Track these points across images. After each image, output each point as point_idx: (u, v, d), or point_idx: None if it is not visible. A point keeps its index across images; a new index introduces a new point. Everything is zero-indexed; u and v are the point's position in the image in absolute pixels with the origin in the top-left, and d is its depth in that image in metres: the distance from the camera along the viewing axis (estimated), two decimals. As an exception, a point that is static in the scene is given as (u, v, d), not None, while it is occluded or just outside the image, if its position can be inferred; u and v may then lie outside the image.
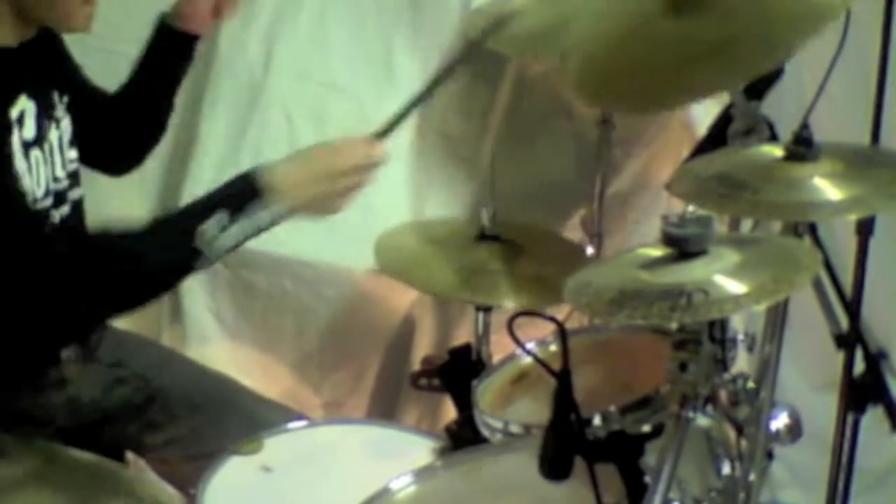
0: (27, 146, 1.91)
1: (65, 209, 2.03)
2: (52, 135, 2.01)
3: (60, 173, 2.02)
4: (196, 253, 1.83)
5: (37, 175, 1.94)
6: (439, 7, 2.69)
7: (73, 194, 2.07)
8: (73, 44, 2.16)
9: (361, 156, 1.96)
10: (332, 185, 1.94)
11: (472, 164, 2.76)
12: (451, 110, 2.76)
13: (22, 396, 2.04)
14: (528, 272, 2.32)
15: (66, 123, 2.06)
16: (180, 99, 2.76)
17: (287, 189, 1.89)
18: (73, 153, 2.07)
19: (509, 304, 2.26)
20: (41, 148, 1.95)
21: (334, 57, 2.73)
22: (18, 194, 1.85)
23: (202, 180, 2.70)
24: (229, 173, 2.66)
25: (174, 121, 2.77)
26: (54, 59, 2.08)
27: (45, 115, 1.98)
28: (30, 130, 1.93)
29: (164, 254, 1.86)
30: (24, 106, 1.92)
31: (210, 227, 1.83)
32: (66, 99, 2.07)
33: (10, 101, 1.89)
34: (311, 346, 2.80)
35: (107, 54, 2.64)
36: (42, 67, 2.01)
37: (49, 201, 1.98)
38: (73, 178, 2.07)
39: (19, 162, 1.88)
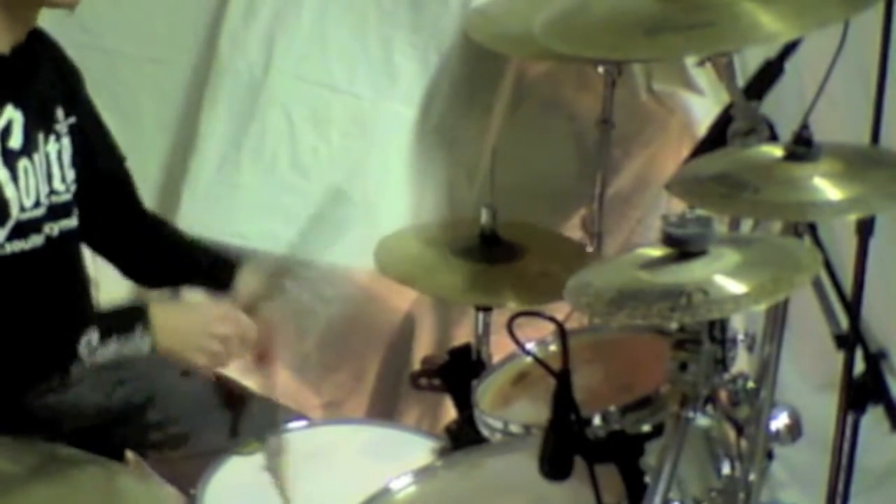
0: (13, 155, 1.94)
1: (68, 223, 2.06)
2: (50, 147, 2.02)
3: (59, 186, 2.04)
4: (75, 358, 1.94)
5: (25, 184, 1.96)
6: (439, 7, 2.69)
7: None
8: (73, 43, 2.16)
9: (235, 328, 2.05)
10: (205, 341, 2.02)
11: (472, 165, 2.76)
12: (451, 110, 2.76)
13: (25, 398, 2.04)
14: (531, 271, 2.32)
15: (68, 142, 2.07)
16: (180, 98, 2.78)
17: (166, 327, 1.98)
18: (73, 174, 2.08)
19: (512, 305, 2.26)
20: (30, 158, 1.97)
21: (334, 57, 2.73)
22: None
23: (202, 180, 2.71)
24: (229, 173, 2.71)
25: (174, 120, 2.79)
26: (59, 81, 2.10)
27: (39, 125, 1.99)
28: (16, 140, 1.95)
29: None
30: (11, 116, 1.94)
31: (92, 337, 1.94)
32: (72, 119, 2.08)
33: None
34: (311, 347, 2.80)
35: (107, 54, 2.65)
36: (37, 78, 2.02)
37: (40, 212, 1.99)
38: (77, 196, 2.08)
39: (0, 171, 1.92)
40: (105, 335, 1.94)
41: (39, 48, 2.05)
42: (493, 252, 2.36)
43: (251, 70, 2.71)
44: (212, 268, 2.21)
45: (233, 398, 2.20)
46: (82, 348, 1.92)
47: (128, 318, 1.97)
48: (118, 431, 2.18)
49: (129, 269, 2.28)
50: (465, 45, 2.69)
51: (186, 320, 2.05)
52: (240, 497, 2.01)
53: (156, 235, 2.29)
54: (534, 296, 2.27)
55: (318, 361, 2.81)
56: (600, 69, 2.58)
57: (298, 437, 2.14)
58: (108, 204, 2.17)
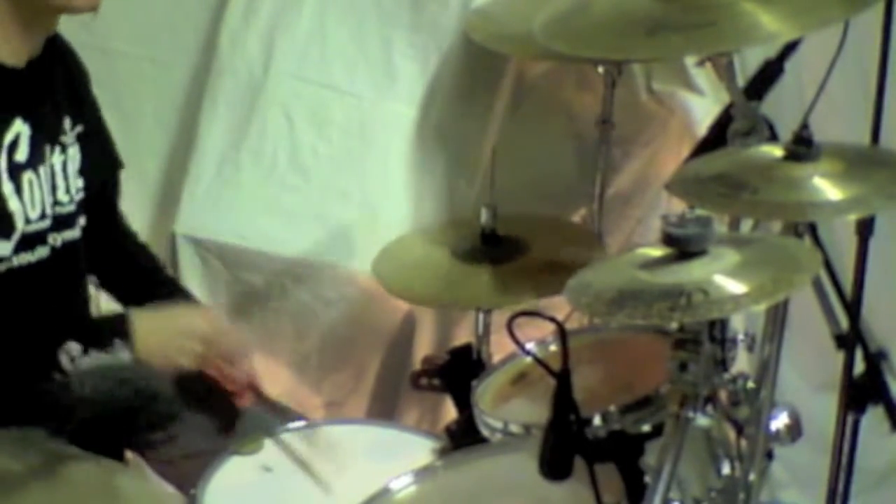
0: (18, 169, 1.95)
1: (71, 233, 2.07)
2: (56, 158, 2.03)
3: (64, 198, 2.04)
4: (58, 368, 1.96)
5: (30, 197, 1.96)
6: (439, 7, 2.69)
7: (84, 220, 2.09)
8: (73, 43, 2.16)
9: (212, 329, 2.08)
10: (185, 342, 2.04)
11: (472, 165, 2.76)
12: (451, 110, 2.76)
13: (24, 396, 2.05)
14: (536, 266, 2.31)
15: (75, 152, 2.07)
16: (180, 98, 2.78)
17: (147, 335, 1.99)
18: (80, 182, 2.08)
19: (520, 304, 2.26)
20: (35, 171, 1.98)
21: (334, 57, 2.73)
22: None
23: (202, 180, 2.71)
24: (229, 173, 2.71)
25: (174, 120, 2.79)
26: (69, 89, 2.10)
27: (45, 138, 2.00)
28: (23, 154, 1.96)
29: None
30: (19, 130, 1.95)
31: (73, 348, 1.95)
32: (79, 129, 2.08)
33: (4, 128, 1.92)
34: (311, 347, 2.80)
35: (107, 54, 2.65)
36: (48, 90, 2.02)
37: (46, 223, 2.00)
38: (82, 206, 2.08)
39: (4, 185, 1.92)
40: (87, 347, 1.94)
41: (53, 55, 2.04)
42: (495, 252, 2.36)
43: (251, 70, 2.71)
44: (170, 297, 2.21)
45: (221, 398, 2.20)
46: (64, 359, 1.93)
47: (109, 331, 1.98)
48: (118, 431, 2.18)
49: (104, 280, 2.27)
50: (465, 45, 2.69)
51: (166, 326, 2.05)
52: (240, 497, 2.01)
53: (128, 251, 2.30)
54: (541, 290, 2.25)
55: (318, 361, 2.81)
56: (600, 69, 2.58)
57: (298, 438, 2.14)
58: (96, 211, 2.17)
